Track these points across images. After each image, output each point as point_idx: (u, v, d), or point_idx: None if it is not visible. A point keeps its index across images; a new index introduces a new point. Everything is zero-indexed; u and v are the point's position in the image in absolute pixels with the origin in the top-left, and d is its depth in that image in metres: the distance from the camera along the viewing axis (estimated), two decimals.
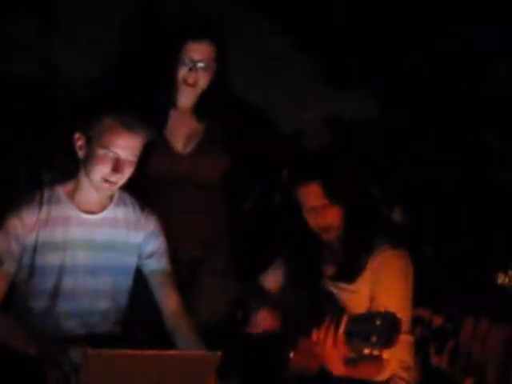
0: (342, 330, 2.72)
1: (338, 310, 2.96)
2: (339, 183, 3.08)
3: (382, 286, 3.02)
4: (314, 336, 2.80)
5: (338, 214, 3.08)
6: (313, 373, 2.97)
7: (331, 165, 3.15)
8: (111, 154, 2.98)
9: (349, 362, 2.83)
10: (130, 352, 2.58)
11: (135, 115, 3.01)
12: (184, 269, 3.40)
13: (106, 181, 3.01)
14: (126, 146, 2.99)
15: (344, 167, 3.19)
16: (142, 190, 3.27)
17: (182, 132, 3.52)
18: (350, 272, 3.08)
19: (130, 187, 3.16)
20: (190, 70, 3.40)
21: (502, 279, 3.45)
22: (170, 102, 3.50)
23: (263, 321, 3.16)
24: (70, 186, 3.12)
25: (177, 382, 2.63)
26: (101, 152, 2.98)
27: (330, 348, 2.76)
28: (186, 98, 3.50)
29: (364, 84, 3.97)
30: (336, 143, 3.89)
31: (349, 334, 2.71)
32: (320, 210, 3.06)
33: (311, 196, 3.07)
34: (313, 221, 3.10)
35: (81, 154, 3.05)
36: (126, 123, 2.98)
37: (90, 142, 3.01)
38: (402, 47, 3.88)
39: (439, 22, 3.84)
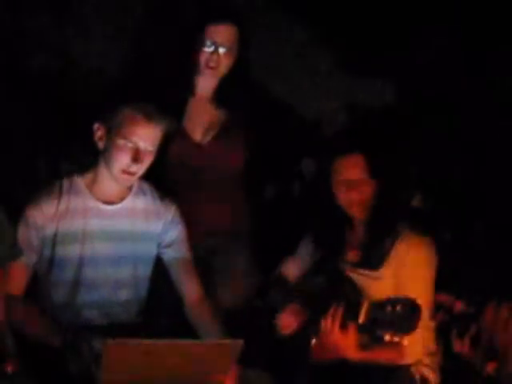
0: (362, 317, 2.72)
1: (358, 296, 2.96)
2: (381, 158, 3.08)
3: (407, 272, 3.03)
4: (322, 324, 2.84)
5: (372, 191, 3.09)
6: (335, 360, 2.97)
7: (372, 139, 3.15)
8: (131, 144, 2.98)
9: (364, 347, 2.86)
10: (151, 341, 2.59)
11: (154, 105, 3.01)
12: (205, 257, 3.39)
13: (125, 172, 3.02)
14: (145, 136, 2.99)
15: (383, 144, 3.19)
16: (161, 179, 3.27)
17: (200, 121, 3.49)
18: (374, 258, 3.08)
19: (149, 177, 3.16)
20: (212, 53, 3.37)
21: None
22: (190, 89, 3.47)
23: (285, 321, 3.16)
24: (89, 176, 3.13)
25: (199, 371, 2.64)
26: (120, 142, 2.99)
27: (338, 334, 2.81)
28: (206, 83, 3.46)
29: (380, 71, 3.94)
30: (353, 131, 3.86)
31: (369, 321, 2.71)
32: (356, 184, 3.07)
33: (351, 168, 3.08)
34: (345, 195, 3.09)
35: (100, 144, 3.06)
36: (145, 113, 2.98)
37: (109, 133, 3.02)
38: (418, 35, 3.85)
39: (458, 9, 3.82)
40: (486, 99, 3.75)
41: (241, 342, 2.60)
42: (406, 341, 2.67)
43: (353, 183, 3.08)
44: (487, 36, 3.75)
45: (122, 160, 3.00)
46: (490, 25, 3.74)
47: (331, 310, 2.84)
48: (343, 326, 2.83)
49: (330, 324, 2.84)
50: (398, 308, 2.60)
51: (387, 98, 3.98)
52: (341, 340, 2.84)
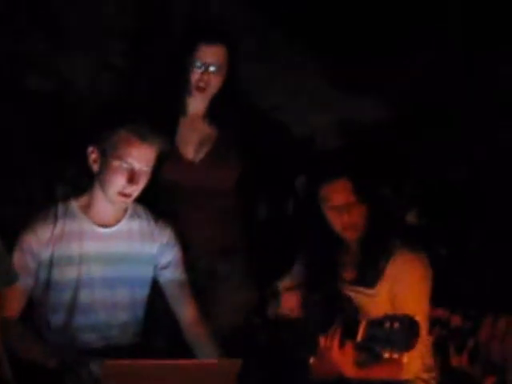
0: (360, 335, 2.72)
1: (356, 314, 2.96)
2: (368, 180, 3.10)
3: (402, 288, 3.02)
4: (322, 342, 2.85)
5: (363, 212, 3.08)
6: (333, 377, 2.97)
7: (359, 161, 3.16)
8: (126, 165, 2.99)
9: (363, 364, 2.85)
10: (150, 362, 2.59)
11: (148, 125, 3.02)
12: (200, 278, 3.37)
13: (121, 193, 3.02)
14: (140, 157, 3.01)
15: (371, 164, 3.20)
16: (156, 200, 3.27)
17: (192, 139, 3.49)
18: (369, 276, 3.08)
19: (143, 198, 3.16)
20: (203, 73, 3.39)
21: None
22: (181, 109, 3.49)
23: (288, 302, 3.16)
24: (84, 200, 3.13)
25: None
26: (116, 164, 3.00)
27: (336, 352, 2.81)
28: (197, 102, 3.48)
29: (374, 86, 3.96)
30: (348, 146, 3.88)
31: (367, 339, 2.71)
32: (346, 208, 3.06)
33: (339, 192, 3.07)
34: (337, 220, 3.09)
35: (95, 167, 3.06)
36: (139, 134, 3.00)
37: (104, 155, 3.03)
38: (411, 48, 3.88)
39: (449, 23, 3.84)
40: (481, 112, 3.78)
41: (239, 361, 2.59)
42: (405, 358, 2.67)
43: (343, 208, 3.07)
44: (479, 45, 3.79)
45: (118, 181, 3.00)
46: (484, 34, 3.77)
47: (332, 329, 2.83)
48: (341, 344, 2.83)
49: (328, 342, 2.84)
50: (396, 325, 2.59)
51: (379, 113, 4.00)
52: (339, 358, 2.84)
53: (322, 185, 3.11)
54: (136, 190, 3.04)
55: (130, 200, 3.07)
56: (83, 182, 3.20)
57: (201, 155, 3.49)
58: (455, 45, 3.87)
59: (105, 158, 3.02)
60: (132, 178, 3.00)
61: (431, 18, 3.86)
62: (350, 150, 3.72)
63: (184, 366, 2.62)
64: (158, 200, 3.33)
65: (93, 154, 3.06)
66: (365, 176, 3.11)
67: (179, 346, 3.16)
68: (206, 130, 3.52)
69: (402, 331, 2.59)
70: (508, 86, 3.79)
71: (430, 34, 3.88)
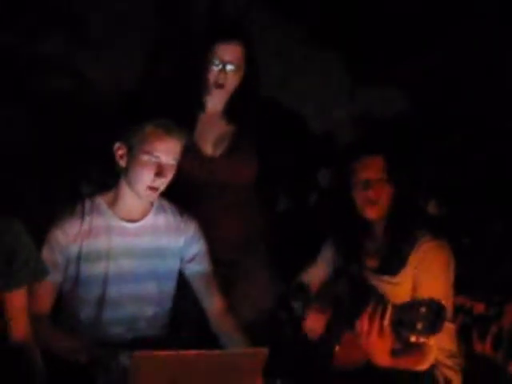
0: (387, 319, 2.74)
1: (381, 301, 2.96)
2: (400, 162, 3.13)
3: (425, 276, 3.05)
4: (358, 326, 2.82)
5: (389, 193, 3.12)
6: (358, 366, 2.99)
7: (392, 144, 3.20)
8: (154, 159, 3.03)
9: (394, 353, 2.84)
10: (178, 353, 2.60)
11: (172, 120, 3.07)
12: (222, 271, 3.39)
13: (150, 187, 3.06)
14: (167, 150, 3.05)
15: (405, 148, 3.24)
16: (178, 194, 3.31)
17: (211, 135, 3.54)
18: (392, 265, 3.10)
19: (165, 194, 3.20)
20: (220, 71, 3.43)
21: None
22: (200, 106, 3.53)
23: (311, 322, 3.19)
24: (110, 195, 3.17)
25: (225, 380, 2.65)
26: (144, 158, 3.04)
27: (375, 338, 2.78)
28: (215, 100, 3.52)
29: (391, 79, 3.98)
30: (367, 140, 3.90)
31: (394, 323, 2.72)
32: (374, 183, 3.11)
33: (371, 168, 3.12)
34: (362, 194, 3.13)
35: (122, 163, 3.10)
36: (166, 128, 3.04)
37: (131, 151, 3.07)
38: (427, 41, 3.89)
39: (464, 16, 3.86)
40: (498, 103, 3.79)
41: (266, 350, 2.62)
42: (432, 341, 2.68)
43: (370, 183, 3.12)
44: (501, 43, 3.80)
45: (146, 175, 3.04)
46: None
47: (368, 313, 2.80)
48: (380, 330, 2.79)
49: (366, 325, 2.80)
50: (423, 309, 2.61)
51: (399, 107, 4.02)
52: (377, 343, 2.79)
53: (356, 159, 3.16)
54: (164, 183, 3.08)
55: (156, 194, 3.11)
56: (108, 181, 3.24)
57: (220, 151, 3.52)
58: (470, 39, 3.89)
59: (132, 153, 3.06)
60: (160, 172, 3.04)
61: (445, 11, 3.88)
62: (383, 135, 3.75)
63: (211, 356, 2.64)
64: (180, 195, 3.36)
65: (119, 150, 3.10)
66: (397, 158, 3.15)
67: (205, 338, 3.19)
68: (224, 126, 3.56)
69: (430, 315, 2.60)
70: None
71: (449, 32, 3.89)
